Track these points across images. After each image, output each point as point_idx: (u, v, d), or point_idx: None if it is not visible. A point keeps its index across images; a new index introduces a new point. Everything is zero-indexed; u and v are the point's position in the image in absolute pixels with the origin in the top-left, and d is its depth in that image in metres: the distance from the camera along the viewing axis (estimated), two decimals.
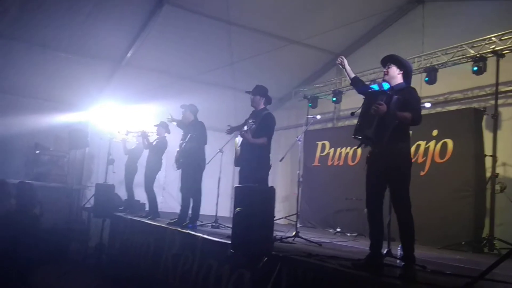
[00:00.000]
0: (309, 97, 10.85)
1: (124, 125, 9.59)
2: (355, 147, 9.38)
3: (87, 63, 9.92)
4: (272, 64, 10.77)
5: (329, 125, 11.34)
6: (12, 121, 9.70)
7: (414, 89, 4.05)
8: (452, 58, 7.98)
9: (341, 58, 4.53)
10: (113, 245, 8.72)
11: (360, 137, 4.01)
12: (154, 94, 10.34)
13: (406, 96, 3.86)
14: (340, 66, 4.56)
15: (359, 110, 4.09)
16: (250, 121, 5.95)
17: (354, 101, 9.85)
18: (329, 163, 10.23)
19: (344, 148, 9.87)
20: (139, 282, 6.95)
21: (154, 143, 8.36)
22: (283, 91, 12.03)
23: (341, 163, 9.90)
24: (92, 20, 8.71)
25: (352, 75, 4.47)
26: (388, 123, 3.78)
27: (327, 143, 10.42)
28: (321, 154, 10.50)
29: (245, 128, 5.92)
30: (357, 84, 4.43)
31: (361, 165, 9.05)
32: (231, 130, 6.41)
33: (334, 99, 10.29)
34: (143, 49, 9.70)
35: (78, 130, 10.44)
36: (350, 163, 9.66)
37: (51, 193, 8.60)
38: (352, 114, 4.29)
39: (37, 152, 10.16)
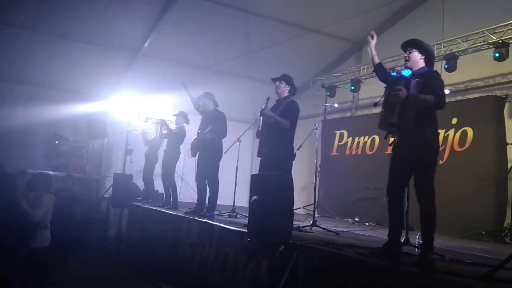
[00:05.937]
0: (327, 86, 10.75)
1: (143, 112, 9.60)
2: (373, 136, 9.40)
3: (105, 53, 9.98)
4: (290, 53, 10.66)
5: (348, 114, 11.23)
6: (32, 112, 9.79)
7: (436, 72, 3.95)
8: (473, 44, 7.82)
9: (373, 33, 4.29)
10: (132, 234, 8.85)
11: (386, 126, 3.92)
12: (171, 84, 10.27)
13: (428, 80, 3.76)
14: (368, 46, 4.31)
15: (382, 100, 3.99)
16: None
17: (373, 89, 9.77)
18: (347, 152, 10.15)
19: (362, 137, 9.78)
20: (157, 269, 7.05)
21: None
22: (300, 81, 11.85)
23: (359, 152, 9.82)
24: (110, 11, 8.77)
25: (377, 61, 4.29)
26: (411, 108, 3.69)
27: (345, 132, 10.34)
28: (339, 144, 10.42)
29: (263, 106, 5.62)
30: (380, 71, 4.29)
31: (379, 155, 9.10)
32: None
33: (352, 88, 10.17)
34: (160, 39, 9.71)
35: (97, 120, 10.51)
36: (368, 152, 9.57)
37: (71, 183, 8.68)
38: (375, 104, 4.13)
39: (57, 142, 10.21)
